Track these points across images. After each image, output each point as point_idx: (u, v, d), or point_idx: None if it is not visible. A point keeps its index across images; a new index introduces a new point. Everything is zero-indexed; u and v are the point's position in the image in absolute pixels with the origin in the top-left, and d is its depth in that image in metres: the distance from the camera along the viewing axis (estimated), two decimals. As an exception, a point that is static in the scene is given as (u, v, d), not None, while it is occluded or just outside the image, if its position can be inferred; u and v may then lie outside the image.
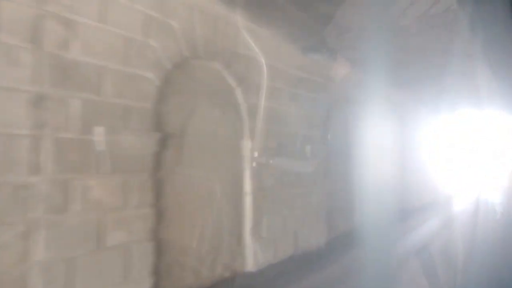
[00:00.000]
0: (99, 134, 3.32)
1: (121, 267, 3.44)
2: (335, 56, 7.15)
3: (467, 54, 7.48)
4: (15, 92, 2.85)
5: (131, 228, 3.55)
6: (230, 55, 4.91)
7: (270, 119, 5.65)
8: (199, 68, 4.54)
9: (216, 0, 4.55)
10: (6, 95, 2.80)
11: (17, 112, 2.85)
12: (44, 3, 3.00)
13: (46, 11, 3.02)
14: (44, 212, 2.96)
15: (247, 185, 5.14)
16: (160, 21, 3.97)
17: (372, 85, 9.18)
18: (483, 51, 7.32)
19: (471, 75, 8.95)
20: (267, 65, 5.61)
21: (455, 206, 12.85)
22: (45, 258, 2.94)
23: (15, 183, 2.81)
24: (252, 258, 5.12)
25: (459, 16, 5.95)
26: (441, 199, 13.72)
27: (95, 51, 3.37)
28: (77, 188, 3.17)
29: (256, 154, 5.25)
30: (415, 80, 9.73)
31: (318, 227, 6.74)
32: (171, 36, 4.10)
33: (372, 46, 7.00)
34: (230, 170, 4.95)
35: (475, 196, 13.93)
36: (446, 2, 5.50)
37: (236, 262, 4.95)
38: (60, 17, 3.10)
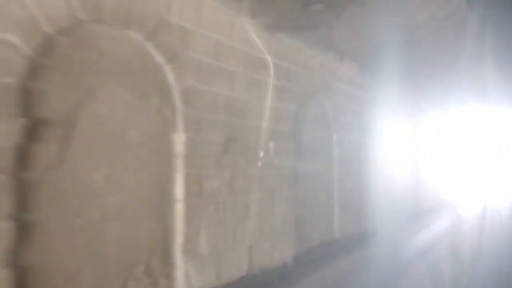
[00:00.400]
0: None
1: None
2: (311, 38, 6.05)
3: (475, 55, 7.42)
4: None
5: (-33, 251, 2.51)
6: (157, 24, 3.83)
7: (217, 107, 4.57)
8: (106, 37, 3.46)
9: None
10: None
11: None
12: None
13: None
14: None
15: (179, 190, 4.07)
16: (37, -33, 2.91)
17: (360, 76, 8.09)
18: (491, 52, 7.49)
19: (479, 74, 8.80)
20: (214, 41, 4.52)
21: (458, 211, 11.92)
22: None
23: None
24: (183, 281, 4.06)
25: (468, 17, 5.93)
26: (440, 205, 12.65)
27: None
28: None
29: (193, 151, 4.18)
30: (418, 74, 8.88)
31: (283, 240, 5.66)
32: (55, -11, 3.04)
33: (360, 28, 6.26)
34: (153, 171, 3.88)
35: (482, 200, 13.15)
36: (456, 3, 5.39)
37: (159, 287, 3.89)
38: None
